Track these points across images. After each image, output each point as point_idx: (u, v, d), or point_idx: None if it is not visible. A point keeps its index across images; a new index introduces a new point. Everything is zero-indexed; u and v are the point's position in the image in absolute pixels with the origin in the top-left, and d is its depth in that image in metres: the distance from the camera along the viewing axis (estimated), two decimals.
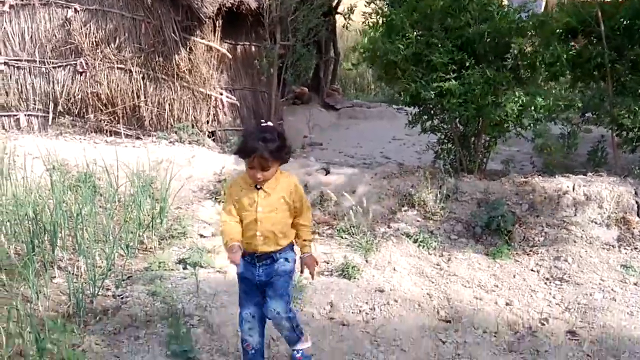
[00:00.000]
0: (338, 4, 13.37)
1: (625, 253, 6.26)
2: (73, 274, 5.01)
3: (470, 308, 5.16)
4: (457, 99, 6.77)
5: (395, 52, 6.98)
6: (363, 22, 7.62)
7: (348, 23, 8.02)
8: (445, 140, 7.92)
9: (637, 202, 6.70)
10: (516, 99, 6.65)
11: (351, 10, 7.58)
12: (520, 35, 6.76)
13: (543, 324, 4.96)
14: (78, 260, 5.13)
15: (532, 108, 6.77)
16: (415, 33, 6.98)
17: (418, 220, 6.84)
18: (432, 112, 7.60)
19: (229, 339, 4.34)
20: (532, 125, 7.09)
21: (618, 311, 5.15)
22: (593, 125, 8.12)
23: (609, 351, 4.58)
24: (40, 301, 4.52)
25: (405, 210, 7.01)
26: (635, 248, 6.30)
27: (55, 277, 5.11)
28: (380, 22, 7.42)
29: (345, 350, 4.36)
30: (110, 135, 9.53)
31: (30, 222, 5.41)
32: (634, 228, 6.50)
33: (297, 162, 8.24)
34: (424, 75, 6.97)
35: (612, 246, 6.37)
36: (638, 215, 6.63)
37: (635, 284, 5.65)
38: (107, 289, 4.95)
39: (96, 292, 4.79)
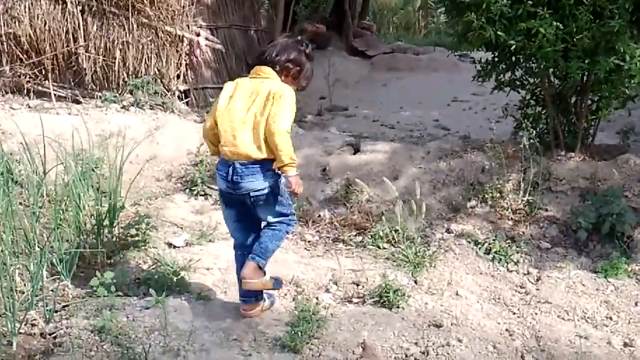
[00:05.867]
0: None
1: None
2: None
3: (570, 351, 5.13)
4: (552, 46, 6.65)
5: None
6: None
7: None
8: (533, 102, 7.86)
9: None
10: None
11: None
12: None
13: None
14: None
15: None
16: None
17: (492, 222, 6.82)
18: (513, 59, 7.53)
19: None
20: None
21: None
22: None
23: None
24: None
25: (472, 207, 6.99)
26: None
27: None
28: None
29: None
30: (35, 97, 9.56)
31: None
32: None
33: (312, 134, 8.25)
34: (505, 11, 6.78)
35: None
36: None
37: None
38: (33, 324, 4.96)
39: (16, 329, 4.80)
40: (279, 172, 4.74)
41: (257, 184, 4.69)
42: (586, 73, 7.07)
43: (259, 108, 4.64)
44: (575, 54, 6.67)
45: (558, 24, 6.60)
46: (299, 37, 5.10)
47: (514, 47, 6.87)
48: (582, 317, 5.65)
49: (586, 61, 6.71)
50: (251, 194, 4.71)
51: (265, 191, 4.75)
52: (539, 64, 7.21)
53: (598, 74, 6.80)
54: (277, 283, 5.24)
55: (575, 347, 5.20)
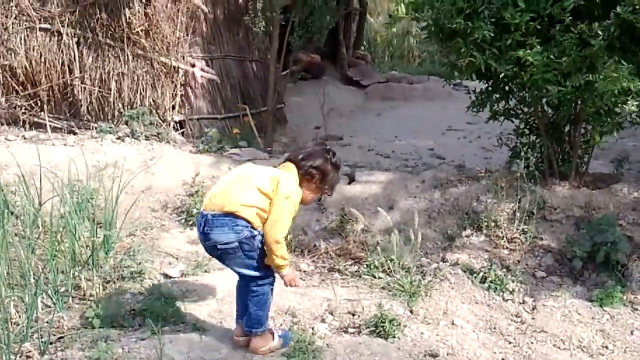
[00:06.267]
0: None
1: None
2: None
3: None
4: (541, 73, 6.68)
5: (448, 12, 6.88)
6: None
7: None
8: (527, 131, 7.87)
9: None
10: (615, 80, 6.47)
11: None
12: None
13: None
14: None
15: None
16: None
17: (487, 250, 6.81)
18: (506, 88, 7.56)
19: None
20: None
21: None
22: None
23: None
24: None
25: (467, 236, 6.99)
26: None
27: None
28: None
29: None
30: (30, 128, 9.56)
31: None
32: None
33: None
34: (494, 39, 6.84)
35: None
36: None
37: None
38: (28, 356, 4.94)
39: None
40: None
41: (224, 237, 4.61)
42: (579, 102, 7.10)
43: (259, 175, 4.69)
44: (559, 76, 6.68)
45: (548, 53, 6.63)
46: (327, 146, 5.15)
47: (503, 75, 6.89)
48: (578, 346, 5.63)
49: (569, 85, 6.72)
50: (218, 246, 4.64)
51: (232, 245, 4.64)
52: (531, 93, 7.24)
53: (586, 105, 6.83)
54: (287, 339, 5.11)
55: None
